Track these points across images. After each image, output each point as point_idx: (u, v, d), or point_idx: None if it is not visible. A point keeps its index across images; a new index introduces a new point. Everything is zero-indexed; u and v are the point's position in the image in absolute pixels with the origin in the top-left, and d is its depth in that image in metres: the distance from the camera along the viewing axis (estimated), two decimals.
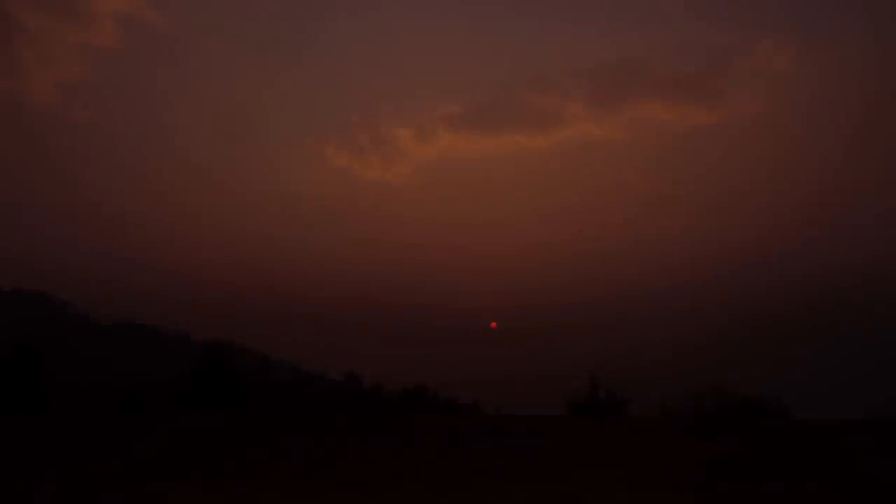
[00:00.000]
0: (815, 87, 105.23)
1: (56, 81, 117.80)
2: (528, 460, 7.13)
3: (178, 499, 5.26)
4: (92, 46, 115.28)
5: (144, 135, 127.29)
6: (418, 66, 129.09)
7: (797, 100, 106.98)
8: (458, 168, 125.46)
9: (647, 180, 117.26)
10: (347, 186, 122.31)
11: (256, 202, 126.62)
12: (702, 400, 13.93)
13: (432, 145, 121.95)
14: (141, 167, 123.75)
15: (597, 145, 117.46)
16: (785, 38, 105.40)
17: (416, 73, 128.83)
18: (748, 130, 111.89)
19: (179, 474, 6.28)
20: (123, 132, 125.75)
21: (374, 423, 11.48)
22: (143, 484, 5.84)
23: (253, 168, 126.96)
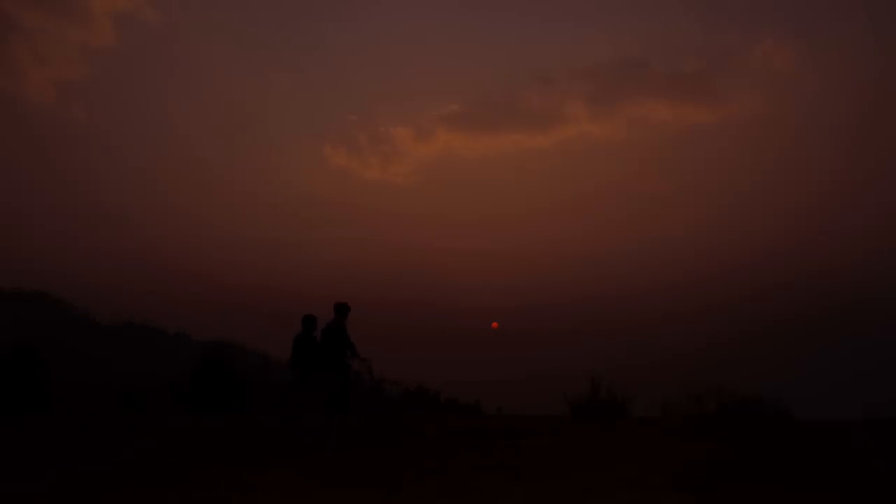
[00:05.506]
0: (815, 87, 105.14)
1: (54, 80, 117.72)
2: (528, 460, 7.13)
3: (177, 499, 5.26)
4: (90, 45, 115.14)
5: (143, 134, 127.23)
6: (417, 64, 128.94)
7: (797, 100, 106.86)
8: (458, 167, 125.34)
9: (648, 180, 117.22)
10: (346, 186, 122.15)
11: (255, 201, 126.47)
12: (702, 400, 13.92)
13: (431, 145, 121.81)
14: (140, 166, 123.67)
15: (597, 145, 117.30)
16: (785, 38, 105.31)
17: (414, 72, 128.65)
18: (748, 130, 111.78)
19: (179, 475, 6.29)
20: (122, 131, 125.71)
21: (375, 423, 11.48)
22: (142, 484, 5.84)
23: (252, 167, 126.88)
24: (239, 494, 5.40)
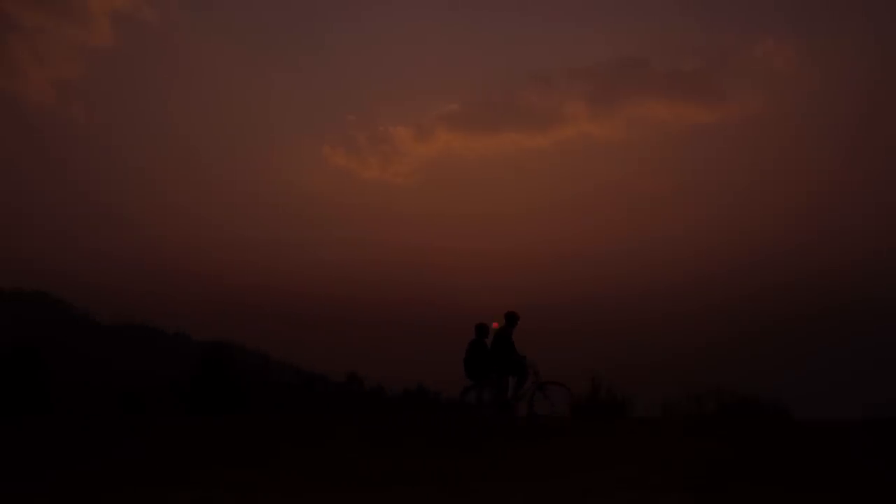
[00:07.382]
0: (815, 87, 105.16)
1: (54, 80, 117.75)
2: (528, 460, 7.13)
3: (177, 499, 5.27)
4: (89, 45, 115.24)
5: (143, 134, 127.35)
6: (417, 64, 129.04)
7: (797, 100, 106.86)
8: (458, 167, 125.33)
9: (647, 180, 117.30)
10: (346, 186, 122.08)
11: (255, 201, 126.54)
12: (702, 400, 13.94)
13: (431, 144, 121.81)
14: (140, 166, 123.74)
15: (596, 145, 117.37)
16: (785, 37, 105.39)
17: (414, 72, 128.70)
18: (748, 130, 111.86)
19: (179, 475, 6.29)
20: (122, 131, 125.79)
21: (375, 423, 11.49)
22: (142, 485, 5.85)
23: (252, 167, 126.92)
24: (239, 494, 5.41)
